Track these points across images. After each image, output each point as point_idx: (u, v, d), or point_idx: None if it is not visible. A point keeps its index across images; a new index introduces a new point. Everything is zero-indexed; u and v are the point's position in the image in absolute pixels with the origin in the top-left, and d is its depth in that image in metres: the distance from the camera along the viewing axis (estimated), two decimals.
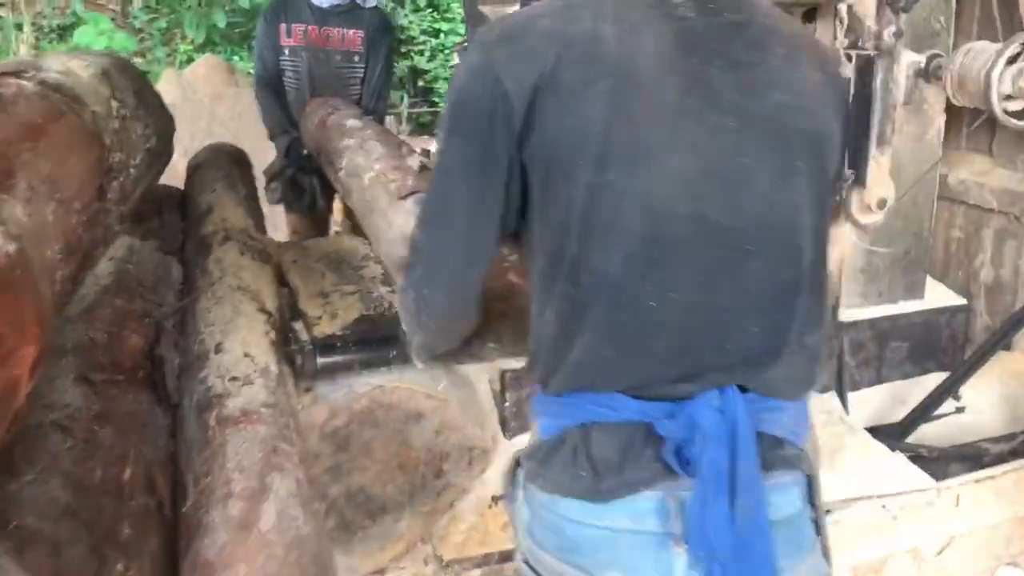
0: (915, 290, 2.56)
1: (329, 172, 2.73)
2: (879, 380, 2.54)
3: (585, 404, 1.15)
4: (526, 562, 1.23)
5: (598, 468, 1.12)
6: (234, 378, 1.70)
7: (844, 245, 2.39)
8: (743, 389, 1.11)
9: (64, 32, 7.77)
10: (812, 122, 1.21)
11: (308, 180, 3.28)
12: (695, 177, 1.12)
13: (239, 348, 1.79)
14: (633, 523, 1.12)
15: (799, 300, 1.15)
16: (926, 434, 2.50)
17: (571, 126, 1.10)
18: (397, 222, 1.93)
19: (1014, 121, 2.16)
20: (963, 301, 2.64)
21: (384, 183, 2.14)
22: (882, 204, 2.21)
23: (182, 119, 5.52)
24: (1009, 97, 2.13)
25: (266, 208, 3.10)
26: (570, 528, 1.16)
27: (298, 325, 1.96)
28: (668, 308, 1.10)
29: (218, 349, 1.79)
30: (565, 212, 1.10)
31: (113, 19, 7.73)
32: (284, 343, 1.91)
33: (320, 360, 1.86)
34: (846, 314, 2.46)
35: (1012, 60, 2.11)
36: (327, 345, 1.89)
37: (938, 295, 2.63)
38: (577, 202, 1.10)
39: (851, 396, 2.49)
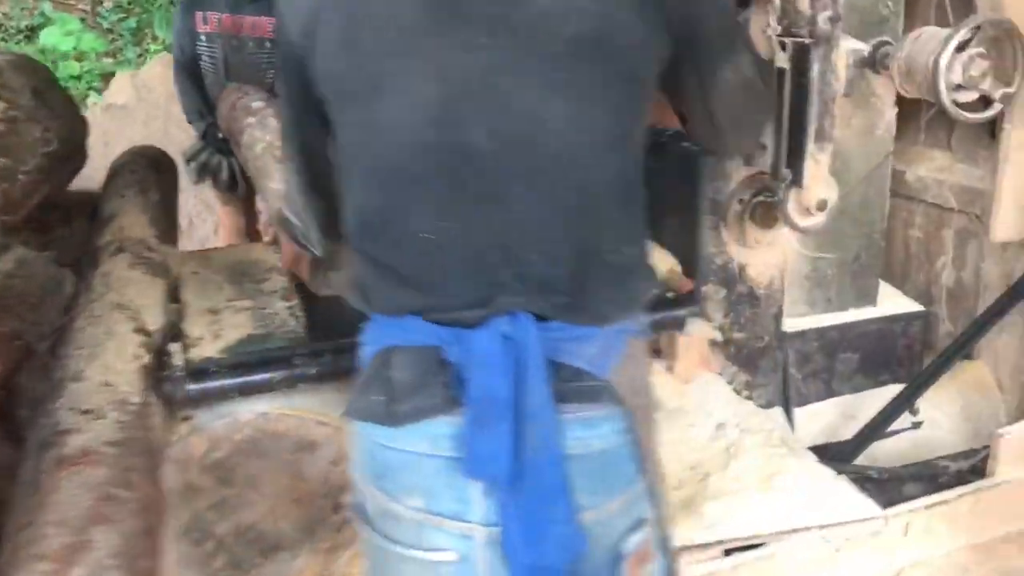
0: (867, 296, 2.38)
1: (236, 150, 2.77)
2: (829, 394, 2.36)
3: (387, 328, 1.17)
4: (354, 496, 1.24)
5: (395, 392, 1.13)
6: (86, 411, 1.54)
7: (785, 249, 2.21)
8: (543, 317, 1.11)
9: (32, 33, 7.61)
10: (590, 23, 1.09)
11: (221, 160, 3.48)
12: (446, 102, 1.08)
13: (99, 375, 1.63)
14: (431, 447, 1.12)
15: (598, 217, 1.13)
16: (880, 452, 2.33)
17: (323, 69, 1.14)
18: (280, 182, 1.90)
19: (965, 114, 1.98)
20: (920, 307, 2.46)
21: (273, 151, 2.18)
22: (822, 206, 2.03)
23: (135, 121, 5.37)
24: (959, 87, 1.95)
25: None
26: (378, 453, 1.16)
27: (175, 347, 1.79)
28: (442, 237, 1.11)
29: (77, 377, 1.63)
30: (336, 150, 1.19)
31: (83, 19, 7.58)
32: (158, 368, 1.75)
33: (190, 387, 1.70)
34: (791, 324, 2.28)
35: (962, 47, 1.92)
36: (199, 370, 1.72)
37: (893, 301, 2.45)
38: (339, 141, 1.17)
39: (798, 412, 2.31)
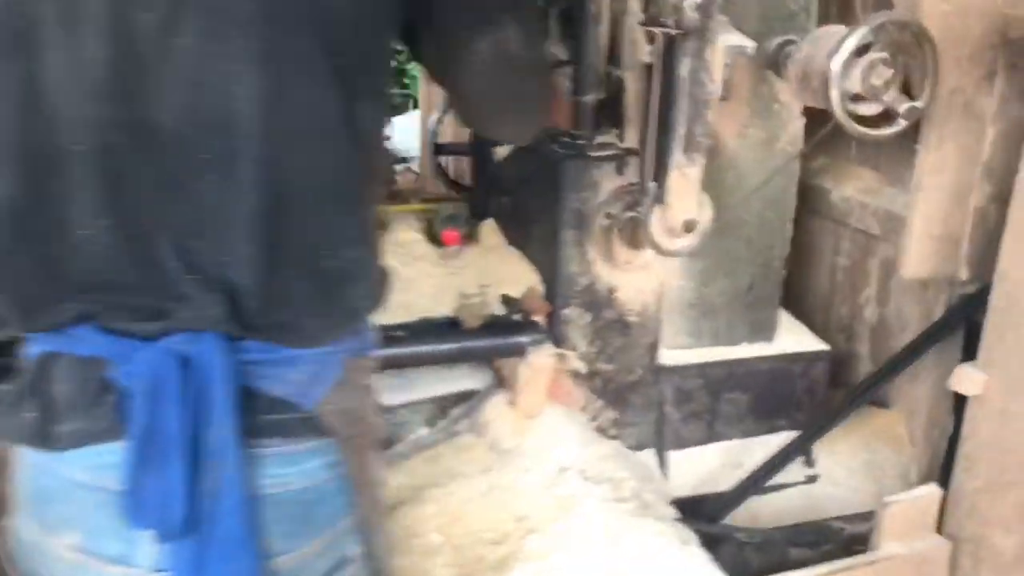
0: (762, 330, 2.10)
1: None
2: (712, 438, 2.09)
3: (47, 333, 0.97)
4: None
5: (53, 410, 0.95)
6: None
7: (661, 273, 1.94)
8: (235, 336, 0.94)
9: None
10: None
11: None
12: (118, 65, 0.89)
13: None
14: (93, 478, 0.95)
15: (304, 215, 0.95)
16: (768, 509, 2.06)
17: None
18: None
19: (862, 129, 1.69)
20: (824, 346, 2.17)
21: None
22: (690, 227, 1.75)
23: None
24: (858, 98, 1.67)
25: None
26: (33, 477, 0.99)
27: None
28: (107, 235, 0.92)
29: None
30: None
31: None
32: None
33: None
34: (670, 357, 2.01)
35: (863, 50, 1.64)
36: None
37: (794, 337, 2.17)
38: None
39: (675, 456, 2.05)
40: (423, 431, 1.87)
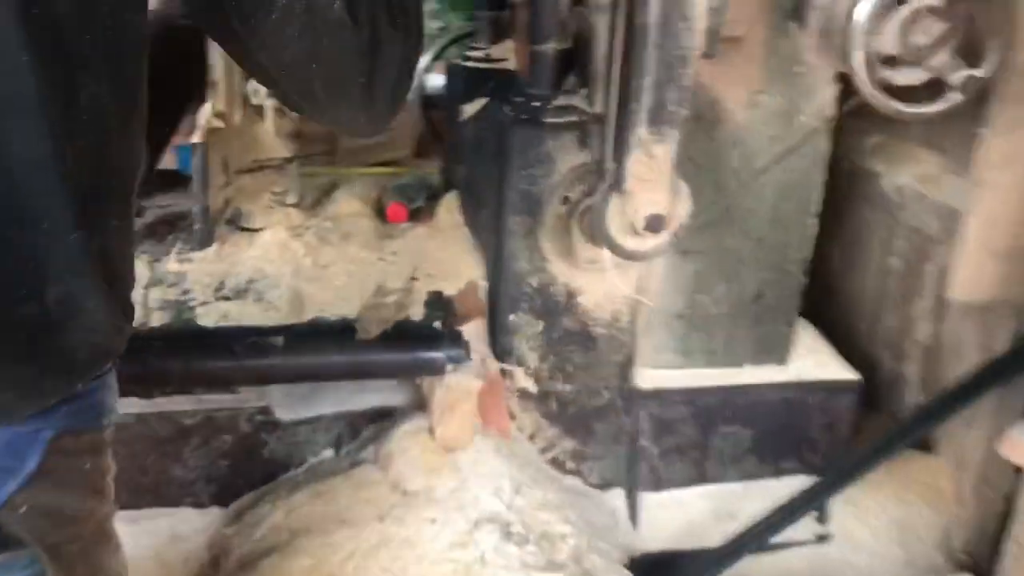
0: (772, 350, 1.67)
1: None
2: (700, 479, 1.68)
3: None
4: None
5: None
6: None
7: (639, 274, 1.53)
8: None
9: None
10: None
11: None
12: None
13: None
14: None
15: None
16: (765, 573, 1.65)
17: None
18: None
19: (896, 104, 1.25)
20: (853, 375, 1.73)
21: None
22: (655, 224, 1.34)
23: None
24: (894, 61, 1.23)
25: None
26: None
27: None
28: None
29: None
30: None
31: None
32: None
33: None
34: (649, 378, 1.61)
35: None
36: None
37: (815, 360, 1.73)
38: None
39: (650, 499, 1.65)
40: (327, 454, 1.53)
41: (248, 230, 1.66)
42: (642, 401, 1.61)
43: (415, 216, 1.78)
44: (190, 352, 1.34)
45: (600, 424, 1.61)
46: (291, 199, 1.74)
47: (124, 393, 1.41)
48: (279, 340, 1.35)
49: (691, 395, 1.62)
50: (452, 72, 1.94)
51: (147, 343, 1.33)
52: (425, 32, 0.95)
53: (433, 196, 1.86)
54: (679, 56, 1.20)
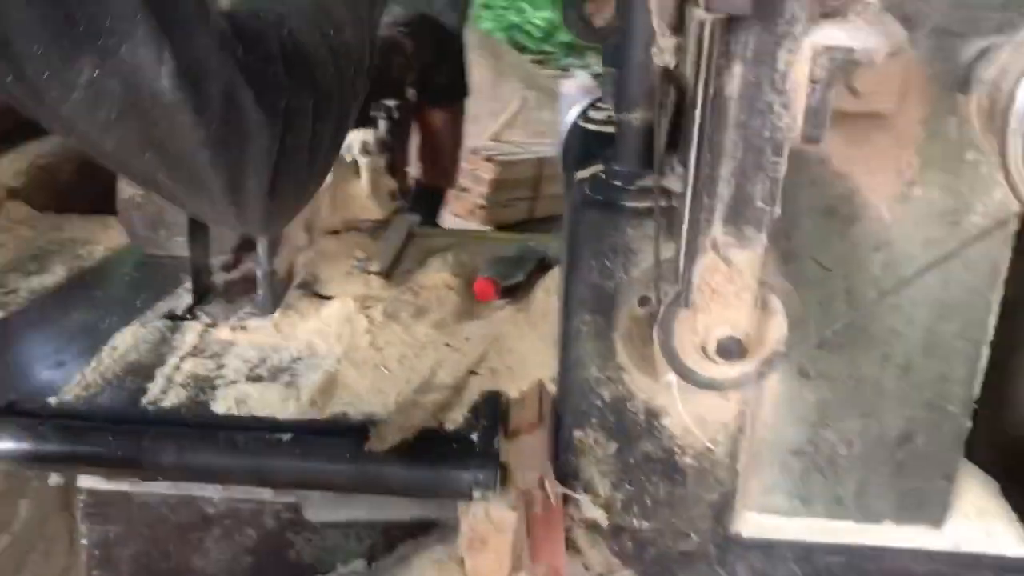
0: (921, 507, 1.29)
1: None
2: None
3: None
4: None
5: None
6: None
7: (745, 396, 1.24)
8: None
9: None
10: None
11: None
12: None
13: None
14: None
15: None
16: None
17: None
18: None
19: None
20: None
21: None
22: (730, 350, 0.99)
23: None
24: None
25: None
26: None
27: None
28: None
29: None
30: None
31: None
32: None
33: None
34: (754, 524, 1.29)
35: None
36: None
37: (984, 527, 1.32)
38: None
39: None
40: (358, 565, 1.33)
41: (320, 297, 1.51)
42: (742, 551, 1.30)
43: (510, 293, 1.56)
44: (183, 442, 1.19)
45: (686, 573, 1.31)
46: (375, 266, 1.57)
47: (121, 475, 1.28)
48: (282, 438, 1.18)
49: (806, 551, 1.29)
50: (571, 133, 1.71)
51: (144, 427, 1.19)
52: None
53: (543, 270, 1.64)
54: (770, 140, 0.92)
